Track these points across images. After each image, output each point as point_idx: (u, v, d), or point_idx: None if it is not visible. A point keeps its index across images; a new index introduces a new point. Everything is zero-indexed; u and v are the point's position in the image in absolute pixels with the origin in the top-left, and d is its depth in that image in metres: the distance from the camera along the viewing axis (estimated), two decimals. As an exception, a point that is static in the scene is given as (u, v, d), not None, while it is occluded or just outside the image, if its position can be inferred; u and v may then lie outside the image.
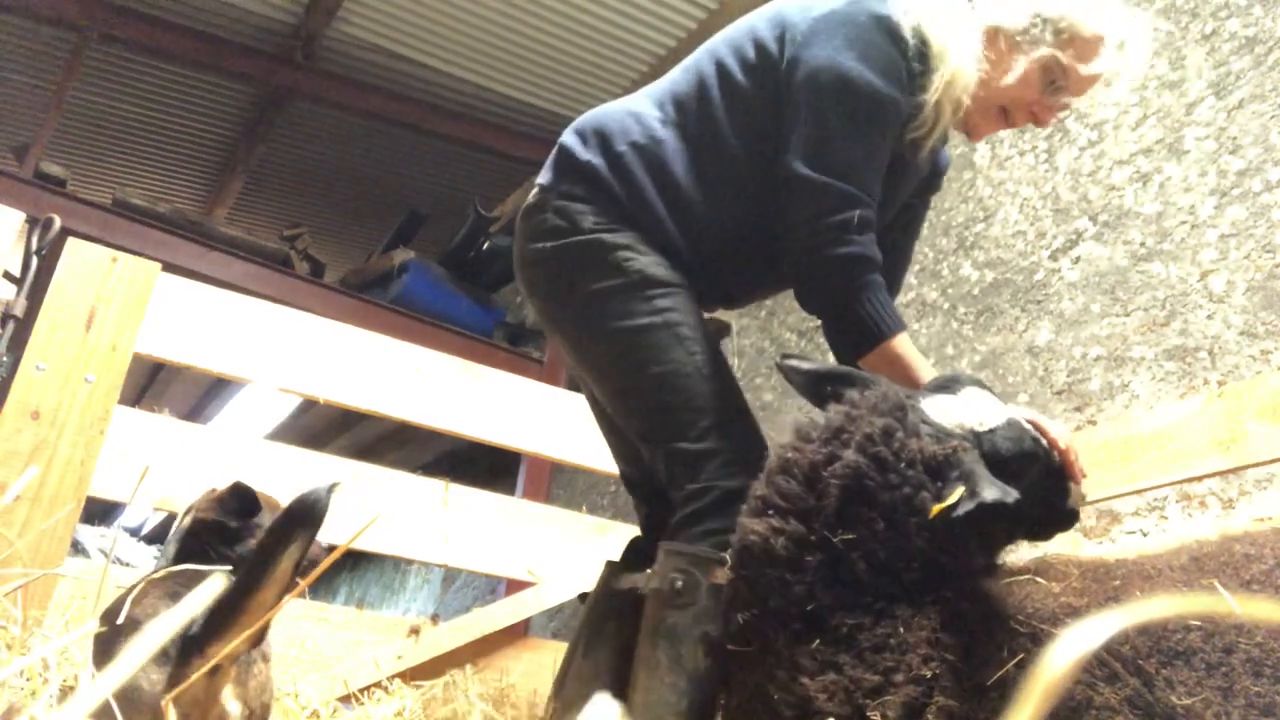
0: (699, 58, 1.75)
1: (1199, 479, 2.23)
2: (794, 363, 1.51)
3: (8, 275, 2.37)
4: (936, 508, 1.15)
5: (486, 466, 5.81)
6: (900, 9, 1.61)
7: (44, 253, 2.33)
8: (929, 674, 1.08)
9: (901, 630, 1.12)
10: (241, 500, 1.56)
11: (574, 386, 5.68)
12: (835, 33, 1.58)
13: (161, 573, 1.42)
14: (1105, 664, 1.07)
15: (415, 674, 2.75)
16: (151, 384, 8.08)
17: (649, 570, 1.50)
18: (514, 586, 3.41)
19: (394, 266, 5.55)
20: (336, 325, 2.76)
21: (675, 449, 1.57)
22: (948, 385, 1.36)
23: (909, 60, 1.59)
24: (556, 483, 5.58)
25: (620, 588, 1.63)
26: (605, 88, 5.57)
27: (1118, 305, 2.89)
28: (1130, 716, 1.03)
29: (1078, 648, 0.38)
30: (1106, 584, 1.21)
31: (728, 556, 1.31)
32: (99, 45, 5.22)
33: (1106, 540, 2.65)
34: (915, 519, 1.17)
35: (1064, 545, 1.69)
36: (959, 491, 1.13)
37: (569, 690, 1.61)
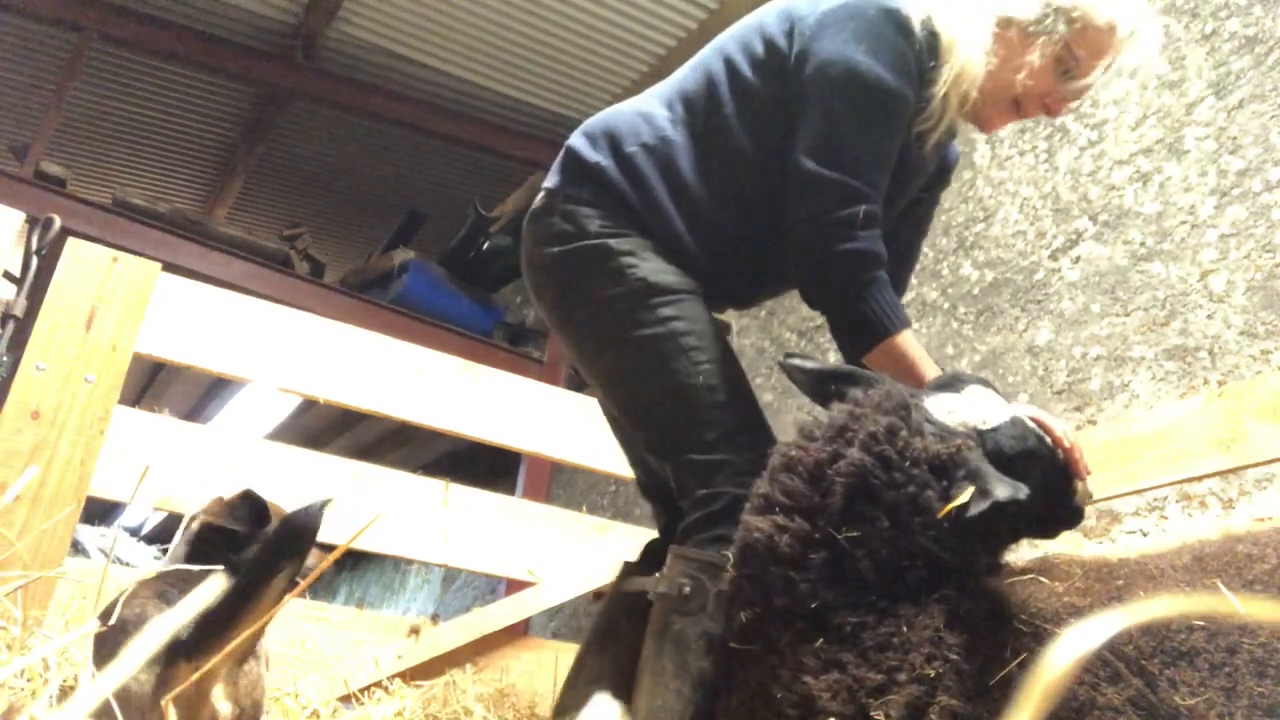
0: (707, 55, 1.74)
1: (1199, 479, 2.23)
2: (797, 362, 1.50)
3: (8, 275, 2.36)
4: (947, 507, 1.14)
5: (486, 466, 5.81)
6: (910, 1, 1.59)
7: (44, 253, 2.33)
8: (932, 673, 1.07)
9: (905, 629, 1.12)
10: (252, 507, 1.56)
11: (574, 386, 5.68)
12: (844, 26, 1.57)
13: (152, 573, 1.42)
14: (1108, 664, 1.06)
15: (415, 674, 2.75)
16: (151, 384, 8.08)
17: (658, 574, 1.50)
18: (514, 586, 3.40)
19: (394, 266, 5.55)
20: (336, 325, 2.76)
21: (685, 460, 1.57)
22: (951, 384, 1.36)
23: (919, 53, 1.58)
24: (556, 483, 5.58)
25: (633, 589, 1.62)
26: (605, 88, 5.57)
27: (1118, 305, 2.89)
28: (1133, 717, 1.03)
29: (1080, 647, 0.38)
30: (1109, 583, 1.21)
31: (730, 554, 1.31)
32: (99, 45, 5.21)
33: (1106, 540, 2.65)
34: (919, 518, 1.17)
35: (1065, 545, 1.69)
36: (969, 491, 1.13)
37: (578, 689, 1.61)
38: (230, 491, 1.58)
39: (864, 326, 1.53)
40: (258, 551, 1.25)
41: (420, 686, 2.69)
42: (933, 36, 1.60)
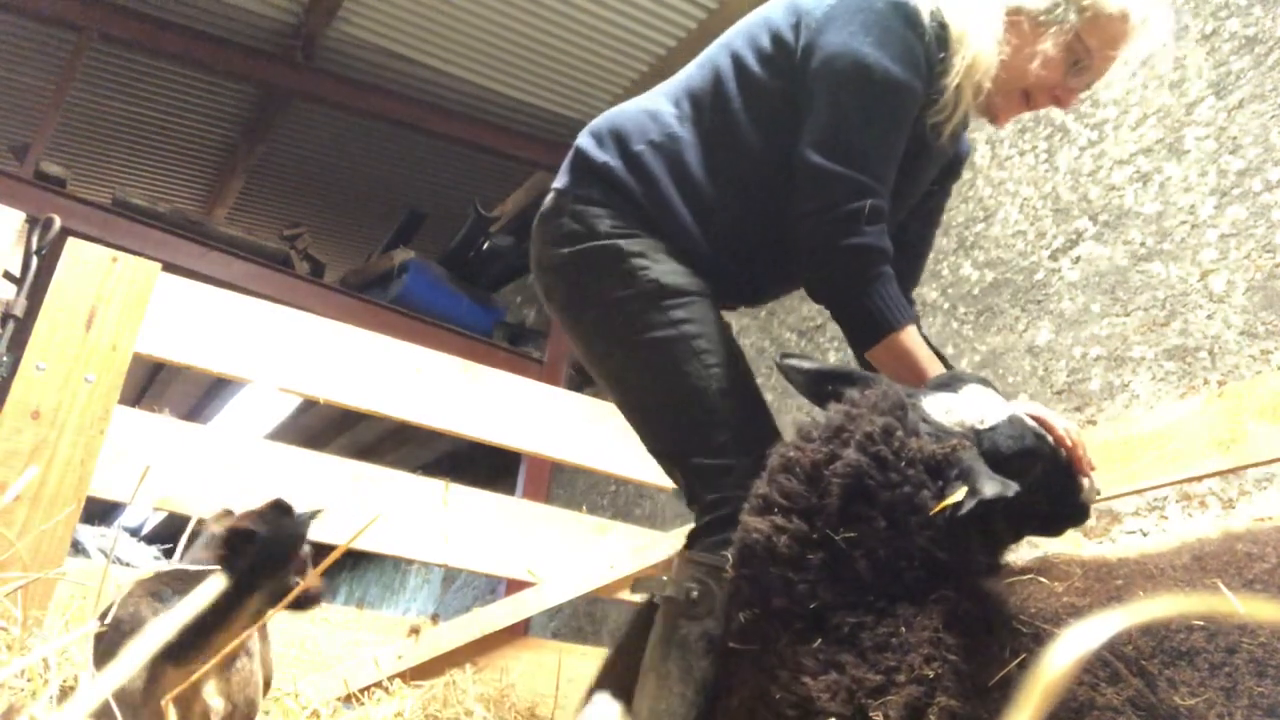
0: (714, 52, 1.72)
1: (1199, 479, 2.23)
2: (794, 362, 1.50)
3: (8, 275, 2.36)
4: (939, 506, 1.14)
5: (486, 466, 5.81)
6: None
7: (44, 253, 2.33)
8: (931, 674, 1.07)
9: (904, 630, 1.12)
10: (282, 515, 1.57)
11: (574, 386, 5.68)
12: (852, 19, 1.56)
13: (151, 573, 1.42)
14: (1108, 664, 1.06)
15: (415, 674, 2.75)
16: (151, 384, 8.08)
17: (665, 577, 1.49)
18: (514, 586, 3.40)
19: (394, 266, 5.55)
20: (336, 325, 2.76)
21: (693, 464, 1.56)
22: (949, 383, 1.36)
23: (928, 45, 1.57)
24: (556, 483, 5.58)
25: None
26: (605, 88, 5.57)
27: (1118, 305, 2.89)
28: (1133, 717, 1.03)
29: (1080, 647, 0.38)
30: (1109, 583, 1.21)
31: (729, 555, 1.31)
32: (99, 45, 5.21)
33: (1106, 540, 2.65)
34: (916, 518, 1.17)
35: (1065, 545, 1.69)
36: (961, 490, 1.13)
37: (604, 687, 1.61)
38: (249, 500, 1.58)
39: (868, 322, 1.52)
40: (243, 558, 1.26)
41: (420, 686, 2.69)
42: (942, 28, 1.58)
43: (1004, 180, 3.46)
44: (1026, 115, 2.83)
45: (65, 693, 1.40)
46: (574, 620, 5.09)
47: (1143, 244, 2.88)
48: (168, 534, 9.29)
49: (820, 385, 1.43)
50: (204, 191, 6.89)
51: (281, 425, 7.93)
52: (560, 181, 1.72)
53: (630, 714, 1.47)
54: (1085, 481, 1.38)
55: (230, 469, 2.50)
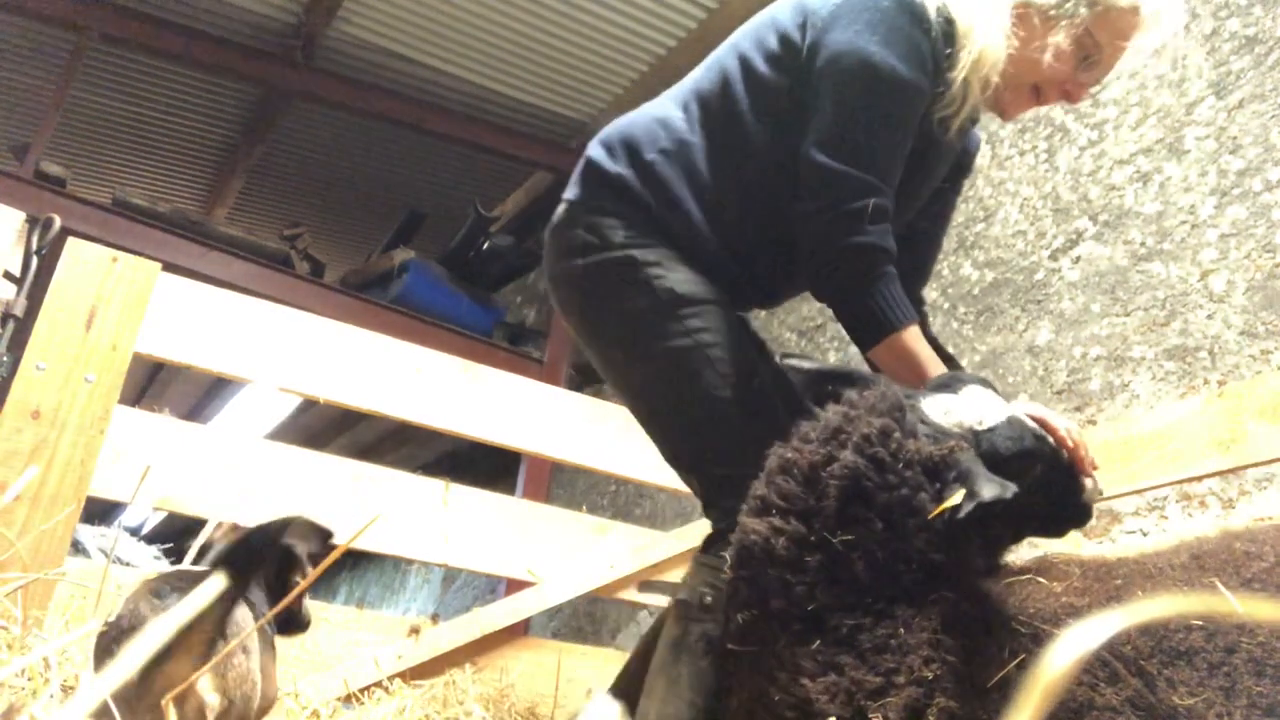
0: (721, 53, 1.72)
1: (1199, 479, 2.23)
2: (794, 362, 1.50)
3: (8, 275, 2.36)
4: (937, 509, 1.14)
5: (486, 466, 5.81)
6: None
7: (44, 253, 2.33)
8: (930, 675, 1.07)
9: (902, 631, 1.12)
10: (317, 532, 1.62)
11: (574, 386, 5.68)
12: (858, 17, 1.55)
13: (154, 574, 1.43)
14: (1107, 664, 1.06)
15: (415, 674, 2.75)
16: (151, 384, 8.09)
17: (681, 580, 1.50)
18: (514, 586, 3.40)
19: (394, 266, 5.55)
20: (336, 325, 2.76)
21: (709, 472, 1.56)
22: (949, 384, 1.36)
23: (935, 41, 1.56)
24: (556, 483, 5.58)
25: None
26: (605, 88, 5.57)
27: (1118, 305, 2.89)
28: (1132, 717, 1.03)
29: (1079, 648, 0.38)
30: (1108, 583, 1.21)
31: (727, 556, 1.31)
32: (99, 45, 5.21)
33: (1106, 540, 2.65)
34: (913, 520, 1.17)
35: (1065, 545, 1.69)
36: (959, 493, 1.13)
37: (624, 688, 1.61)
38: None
39: (870, 321, 1.52)
40: (211, 563, 1.28)
41: (420, 686, 2.69)
42: (949, 23, 1.58)
43: (1004, 180, 3.46)
44: (1027, 114, 2.83)
45: (65, 693, 1.40)
46: (574, 620, 5.09)
47: (1143, 244, 2.88)
48: (168, 534, 9.30)
49: (820, 385, 1.43)
50: (204, 191, 6.89)
51: (281, 425, 7.93)
52: (572, 192, 1.72)
53: (631, 714, 1.47)
54: (1088, 482, 1.38)
55: (230, 469, 2.50)
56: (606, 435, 3.04)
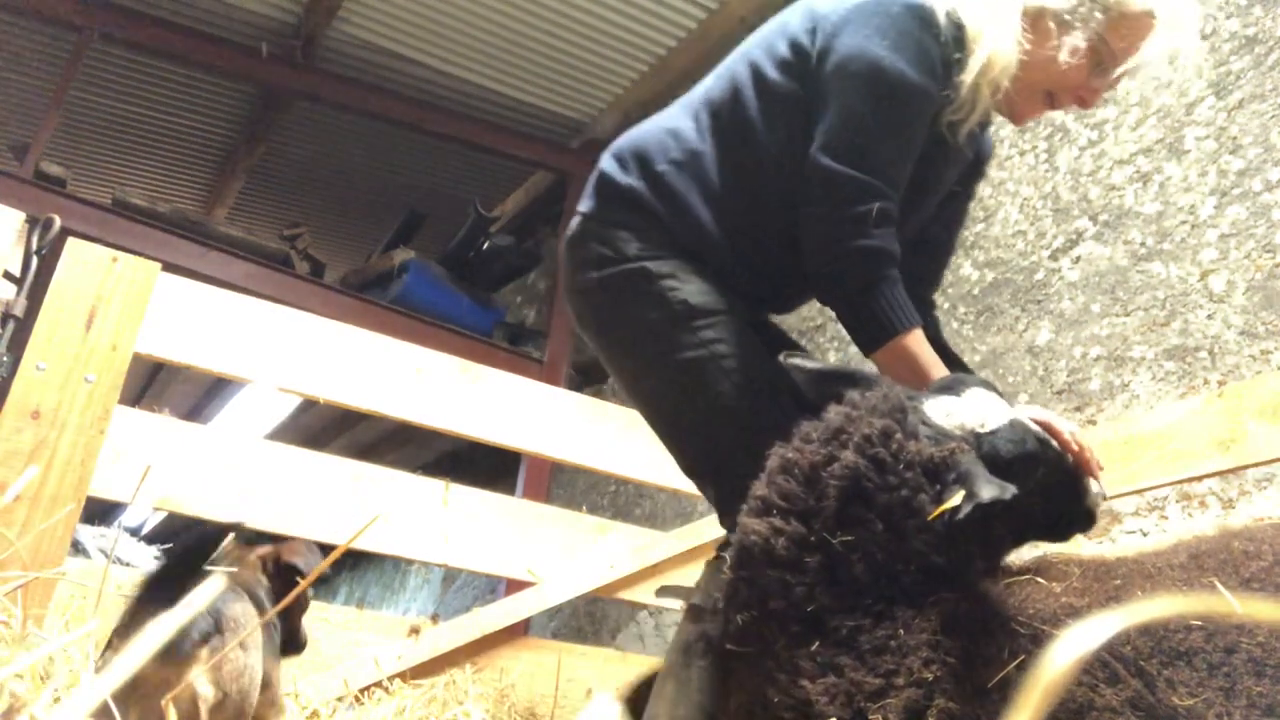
0: (732, 61, 1.73)
1: (1199, 479, 2.23)
2: (797, 361, 1.50)
3: (8, 275, 2.36)
4: (937, 510, 1.14)
5: (486, 466, 5.81)
6: None
7: (44, 253, 2.33)
8: (930, 676, 1.07)
9: (902, 632, 1.11)
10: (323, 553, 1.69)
11: (574, 386, 5.68)
12: (867, 22, 1.55)
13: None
14: (1106, 665, 1.06)
15: (415, 674, 2.75)
16: (151, 384, 8.09)
17: (694, 584, 1.50)
18: (514, 586, 3.40)
19: (394, 266, 5.55)
20: (336, 325, 2.76)
21: (724, 482, 1.57)
22: (952, 386, 1.35)
23: (944, 46, 1.56)
24: (556, 483, 5.58)
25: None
26: (605, 88, 5.57)
27: (1118, 305, 2.89)
28: (1132, 718, 1.03)
29: (1078, 648, 0.38)
30: (1107, 583, 1.21)
31: (727, 556, 1.31)
32: (99, 45, 5.21)
33: (1106, 540, 2.65)
34: (913, 521, 1.17)
35: (1065, 544, 1.69)
36: (959, 494, 1.13)
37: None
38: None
39: (873, 324, 1.52)
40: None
41: (420, 686, 2.69)
42: (958, 28, 1.57)
43: (1004, 180, 3.47)
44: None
45: (66, 692, 1.40)
46: (574, 620, 5.09)
47: (1143, 244, 2.88)
48: (168, 534, 9.30)
49: (822, 385, 1.43)
50: (204, 191, 6.89)
51: (281, 425, 7.93)
52: (586, 205, 1.73)
53: (632, 714, 1.47)
54: (1093, 486, 1.37)
55: (230, 469, 2.50)
56: (606, 435, 3.04)
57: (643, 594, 3.12)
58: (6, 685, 1.18)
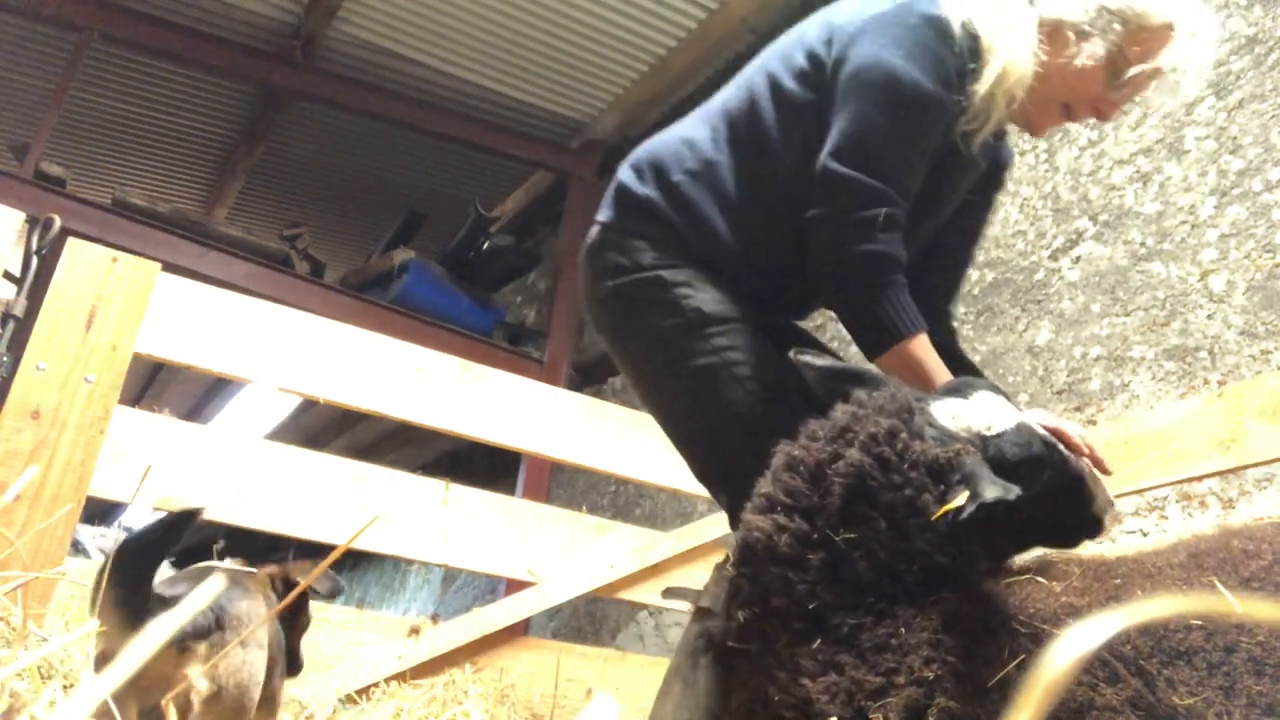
0: (749, 72, 1.75)
1: (1199, 479, 2.23)
2: (807, 359, 1.50)
3: (8, 275, 2.36)
4: (941, 510, 1.14)
5: (486, 466, 5.81)
6: (950, 6, 1.58)
7: (44, 253, 2.33)
8: (930, 675, 1.07)
9: (903, 631, 1.12)
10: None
11: (574, 386, 5.68)
12: (883, 32, 1.57)
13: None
14: (1106, 664, 1.07)
15: (415, 674, 2.75)
16: (151, 384, 8.09)
17: (703, 587, 1.50)
18: (514, 586, 3.40)
19: (394, 266, 5.55)
20: (336, 325, 2.76)
21: (735, 489, 1.57)
22: (960, 389, 1.36)
23: (960, 57, 1.56)
24: (556, 483, 5.58)
25: None
26: (605, 88, 5.57)
27: (1118, 305, 2.89)
28: (1132, 717, 1.03)
29: (1079, 648, 0.38)
30: (1107, 582, 1.21)
31: (730, 553, 1.31)
32: (99, 45, 5.22)
33: (1106, 540, 2.65)
34: (916, 520, 1.17)
35: (1065, 545, 1.69)
36: (963, 494, 1.13)
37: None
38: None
39: (878, 329, 1.52)
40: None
41: (420, 686, 2.69)
42: (974, 39, 1.58)
43: (1004, 180, 3.47)
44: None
45: (66, 692, 1.40)
46: (574, 620, 5.09)
47: (1143, 244, 2.88)
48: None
49: (831, 384, 1.43)
50: (204, 191, 6.89)
51: (281, 425, 7.93)
52: (604, 215, 1.76)
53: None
54: (1099, 494, 1.37)
55: (230, 469, 2.50)
56: (606, 435, 3.04)
57: (643, 594, 3.12)
58: (6, 685, 1.18)
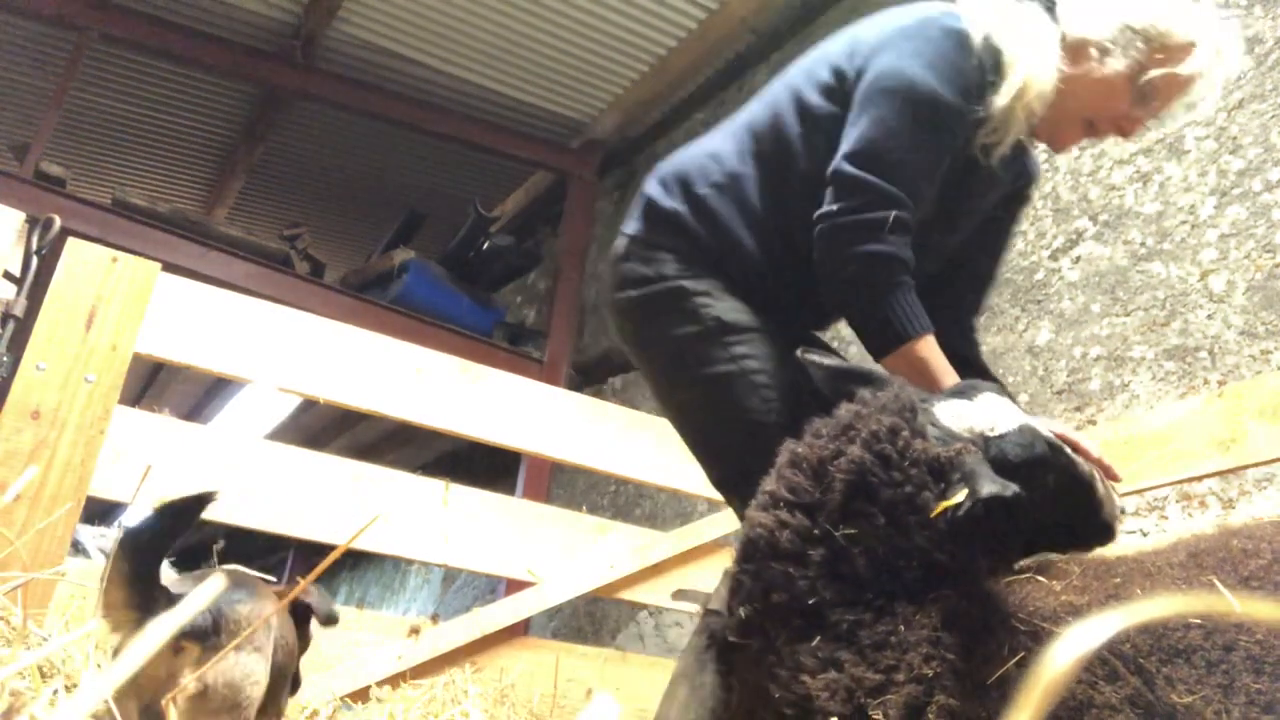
0: (774, 87, 1.77)
1: (1199, 479, 2.23)
2: (814, 357, 1.50)
3: (8, 275, 2.36)
4: (940, 506, 1.15)
5: (486, 466, 5.81)
6: (972, 21, 1.59)
7: (44, 253, 2.33)
8: (930, 672, 1.08)
9: (902, 628, 1.12)
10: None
11: (574, 386, 5.68)
12: (905, 44, 1.59)
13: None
14: (1106, 662, 1.07)
15: (415, 674, 2.75)
16: (151, 384, 8.09)
17: (714, 589, 1.51)
18: (514, 586, 3.40)
19: (394, 266, 5.55)
20: (336, 325, 2.76)
21: (751, 497, 1.58)
22: (965, 390, 1.36)
23: (980, 70, 1.57)
24: (556, 483, 5.58)
25: None
26: (605, 88, 5.58)
27: (1118, 305, 2.89)
28: (1131, 715, 1.03)
29: (1078, 646, 0.38)
30: (1107, 581, 1.21)
31: (733, 549, 1.31)
32: (99, 45, 5.22)
33: (1107, 540, 2.65)
34: (916, 517, 1.17)
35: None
36: (963, 492, 1.13)
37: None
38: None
39: (884, 329, 1.52)
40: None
41: (420, 687, 2.69)
42: (995, 53, 1.59)
43: (1004, 180, 3.47)
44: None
45: (66, 692, 1.40)
46: (574, 620, 5.10)
47: (1143, 244, 2.88)
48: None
49: (837, 383, 1.43)
50: (204, 191, 6.90)
51: (281, 425, 7.93)
52: (631, 227, 1.79)
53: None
54: (1108, 500, 1.37)
55: (230, 469, 2.50)
56: (606, 435, 3.04)
57: (643, 594, 3.12)
58: (7, 685, 1.18)
